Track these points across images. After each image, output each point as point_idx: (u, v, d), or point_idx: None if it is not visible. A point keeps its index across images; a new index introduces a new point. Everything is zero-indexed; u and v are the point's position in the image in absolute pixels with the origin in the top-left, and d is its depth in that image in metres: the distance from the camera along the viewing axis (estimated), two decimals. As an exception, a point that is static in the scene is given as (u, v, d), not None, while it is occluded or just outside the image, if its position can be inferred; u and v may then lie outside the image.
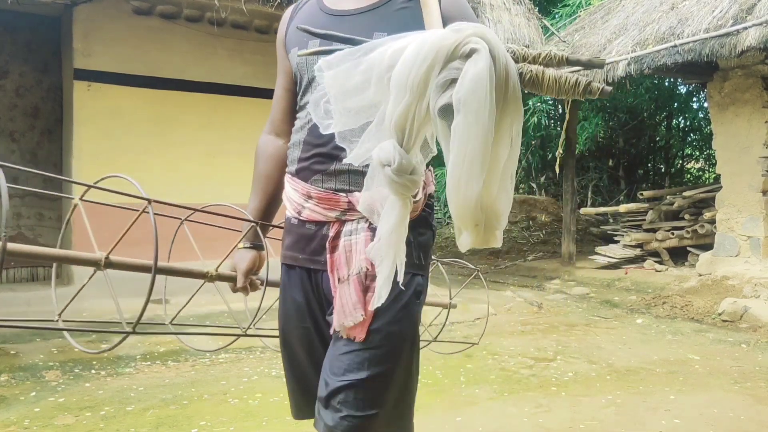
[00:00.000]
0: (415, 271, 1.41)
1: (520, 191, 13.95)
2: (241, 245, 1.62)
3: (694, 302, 6.18)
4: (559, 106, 12.08)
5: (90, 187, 1.38)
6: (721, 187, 7.09)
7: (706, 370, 4.15)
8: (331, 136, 1.19)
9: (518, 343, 4.82)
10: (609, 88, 1.13)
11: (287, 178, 1.54)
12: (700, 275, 6.94)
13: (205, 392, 3.51)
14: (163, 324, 1.62)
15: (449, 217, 10.54)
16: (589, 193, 13.10)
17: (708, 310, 5.91)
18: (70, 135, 5.49)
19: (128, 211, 1.55)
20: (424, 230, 1.47)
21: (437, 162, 1.38)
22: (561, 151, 8.47)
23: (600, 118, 11.80)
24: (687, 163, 14.43)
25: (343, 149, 1.21)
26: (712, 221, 7.36)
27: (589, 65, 1.23)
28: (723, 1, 6.05)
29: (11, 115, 5.99)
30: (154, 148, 5.62)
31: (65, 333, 1.42)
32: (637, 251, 8.33)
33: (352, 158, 1.16)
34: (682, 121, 13.68)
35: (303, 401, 1.56)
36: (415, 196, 1.35)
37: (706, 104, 10.98)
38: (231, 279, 1.60)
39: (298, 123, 1.53)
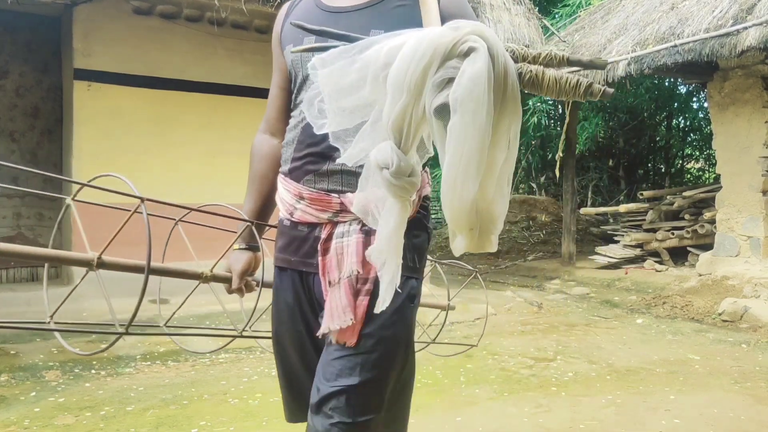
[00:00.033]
0: (409, 274, 1.39)
1: (520, 191, 13.95)
2: (236, 246, 1.60)
3: (694, 302, 6.18)
4: (559, 106, 12.08)
5: (83, 185, 1.37)
6: (721, 187, 7.09)
7: (706, 370, 4.15)
8: (325, 136, 1.17)
9: (518, 343, 4.82)
10: (611, 90, 1.11)
11: (280, 178, 1.52)
12: (700, 275, 6.94)
13: (205, 392, 3.51)
14: (158, 326, 1.60)
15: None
16: (589, 193, 13.10)
17: (708, 310, 5.91)
18: (70, 135, 5.49)
19: (125, 211, 1.53)
20: (419, 232, 1.44)
21: (434, 163, 1.36)
22: (561, 154, 8.47)
23: (600, 118, 11.80)
24: (687, 163, 14.43)
25: (336, 149, 1.18)
26: (712, 221, 7.36)
27: (590, 66, 1.22)
28: (723, 1, 6.05)
29: (11, 115, 5.99)
30: (154, 148, 5.62)
31: (57, 334, 1.40)
32: (637, 251, 8.33)
33: (346, 158, 1.14)
34: (682, 121, 13.68)
35: (295, 405, 1.54)
36: None
37: (706, 104, 10.98)
38: (226, 280, 1.58)
39: (291, 122, 1.51)
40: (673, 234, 8.00)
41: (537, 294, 7.13)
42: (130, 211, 1.38)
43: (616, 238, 8.76)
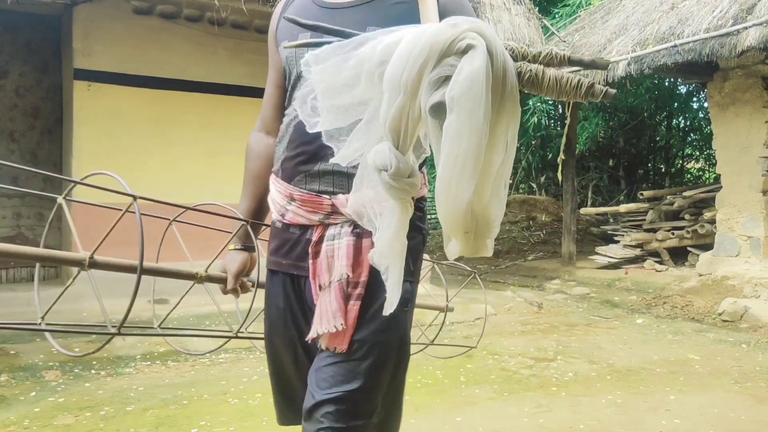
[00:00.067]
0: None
1: (520, 191, 13.95)
2: (231, 246, 1.57)
3: (694, 302, 6.18)
4: (559, 107, 12.08)
5: (75, 183, 1.35)
6: (721, 187, 7.09)
7: (706, 370, 4.15)
8: (317, 135, 1.13)
9: (518, 343, 4.82)
10: (613, 91, 1.07)
11: (271, 178, 1.48)
12: (701, 275, 6.94)
13: (205, 392, 3.50)
14: (151, 327, 1.59)
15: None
16: (589, 193, 13.10)
17: (708, 310, 5.91)
18: (70, 135, 5.49)
19: (120, 210, 1.51)
20: (414, 234, 1.40)
21: (432, 163, 1.34)
22: (563, 156, 8.44)
23: (600, 118, 11.80)
24: (687, 163, 14.43)
25: (328, 149, 1.15)
26: (712, 221, 7.36)
27: (592, 66, 1.18)
28: (723, 1, 6.05)
29: (11, 115, 5.99)
30: (154, 148, 5.62)
31: (47, 335, 1.39)
32: (638, 251, 8.33)
33: (340, 159, 1.11)
34: (682, 121, 13.68)
35: (287, 408, 1.53)
36: None
37: (706, 104, 10.98)
38: (221, 280, 1.56)
39: (285, 119, 1.47)
40: (673, 234, 8.00)
41: (537, 294, 7.13)
42: (133, 212, 1.35)
43: (616, 238, 8.75)
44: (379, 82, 1.03)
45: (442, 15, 1.28)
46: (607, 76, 6.80)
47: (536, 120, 11.23)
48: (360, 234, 1.32)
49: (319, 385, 1.31)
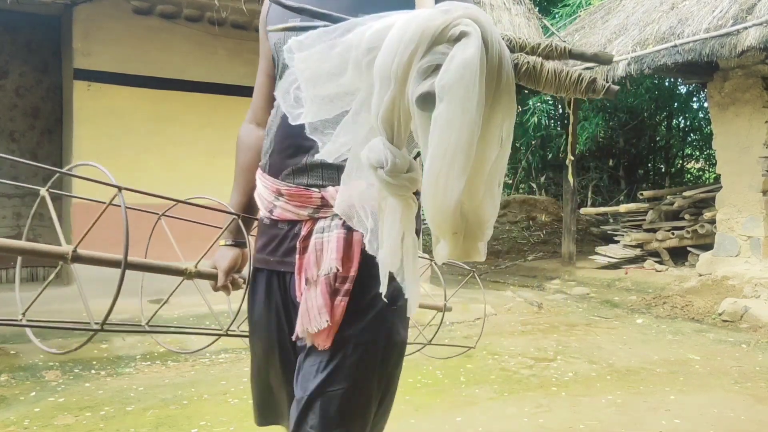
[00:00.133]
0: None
1: (520, 191, 13.95)
2: (222, 242, 1.51)
3: (694, 302, 6.18)
4: (560, 106, 12.08)
5: (60, 173, 1.32)
6: (721, 187, 7.09)
7: (706, 370, 4.15)
8: (304, 127, 1.06)
9: (518, 343, 4.82)
10: (615, 87, 0.99)
11: (258, 174, 1.42)
12: (701, 275, 6.94)
13: (205, 392, 3.50)
14: (139, 324, 1.52)
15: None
16: (589, 193, 13.10)
17: (708, 310, 5.91)
18: (70, 135, 5.49)
19: (116, 206, 1.40)
20: None
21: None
22: (572, 157, 8.38)
23: (600, 118, 11.80)
24: (687, 163, 14.43)
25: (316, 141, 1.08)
26: (712, 221, 7.36)
27: (594, 59, 1.07)
28: (723, 1, 6.05)
29: (11, 115, 5.99)
30: (154, 147, 5.62)
31: (28, 332, 1.35)
32: (637, 251, 8.33)
33: (325, 154, 1.04)
34: (682, 121, 13.68)
35: (265, 407, 1.48)
36: None
37: (706, 104, 10.98)
38: (211, 277, 1.50)
39: (273, 111, 1.41)
40: (673, 234, 8.00)
41: (537, 294, 7.12)
42: (119, 205, 1.28)
43: (616, 238, 8.76)
44: (367, 70, 0.96)
45: (438, 0, 1.24)
46: (607, 76, 6.80)
47: (536, 120, 11.23)
48: (351, 227, 1.24)
49: (303, 387, 1.27)
